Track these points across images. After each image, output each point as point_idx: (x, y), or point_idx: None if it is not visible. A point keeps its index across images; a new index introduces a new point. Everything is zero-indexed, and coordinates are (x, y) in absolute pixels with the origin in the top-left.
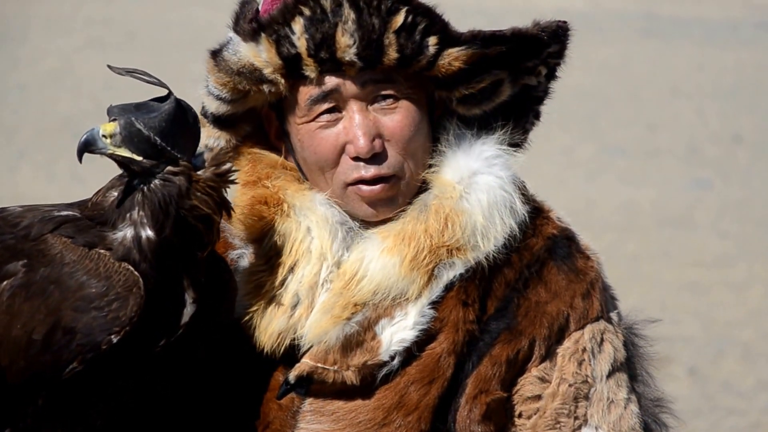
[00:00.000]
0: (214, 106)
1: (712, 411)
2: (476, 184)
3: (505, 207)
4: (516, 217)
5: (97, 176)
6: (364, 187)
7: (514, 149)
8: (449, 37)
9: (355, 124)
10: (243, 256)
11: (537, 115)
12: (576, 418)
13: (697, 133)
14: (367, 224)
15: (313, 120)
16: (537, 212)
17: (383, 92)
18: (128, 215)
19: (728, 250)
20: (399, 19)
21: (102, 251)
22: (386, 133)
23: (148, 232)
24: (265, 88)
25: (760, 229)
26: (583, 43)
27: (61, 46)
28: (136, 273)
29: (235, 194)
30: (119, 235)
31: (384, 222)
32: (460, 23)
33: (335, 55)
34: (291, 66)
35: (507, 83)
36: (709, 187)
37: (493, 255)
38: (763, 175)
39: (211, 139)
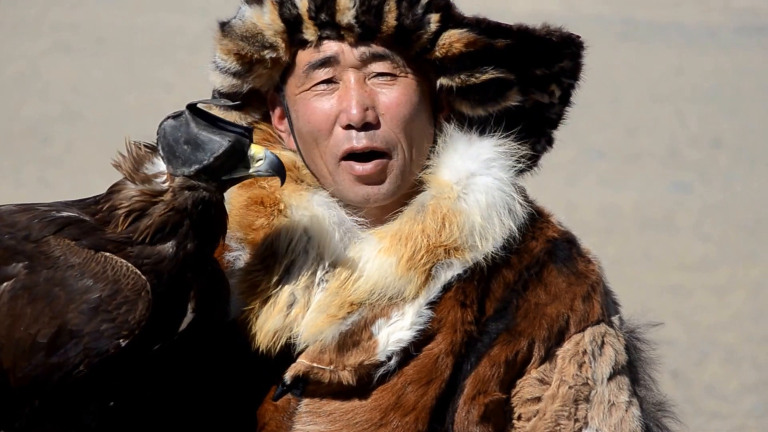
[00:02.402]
0: (219, 81)
1: (695, 415)
2: (474, 185)
3: (503, 208)
4: (515, 218)
5: (65, 182)
6: (357, 165)
7: (519, 167)
8: (452, 17)
9: (349, 94)
10: (239, 258)
11: (550, 141)
12: (576, 420)
13: (676, 136)
14: (365, 225)
15: (309, 89)
16: (537, 216)
17: (380, 69)
18: (178, 232)
19: (710, 253)
20: None
21: (107, 254)
22: (381, 107)
23: (191, 244)
24: (266, 53)
25: (742, 232)
26: None
27: (27, 51)
28: (143, 277)
29: (230, 195)
30: (156, 247)
31: (381, 223)
32: None
33: (334, 18)
34: (292, 29)
35: (515, 89)
36: (689, 191)
37: (491, 256)
38: (743, 178)
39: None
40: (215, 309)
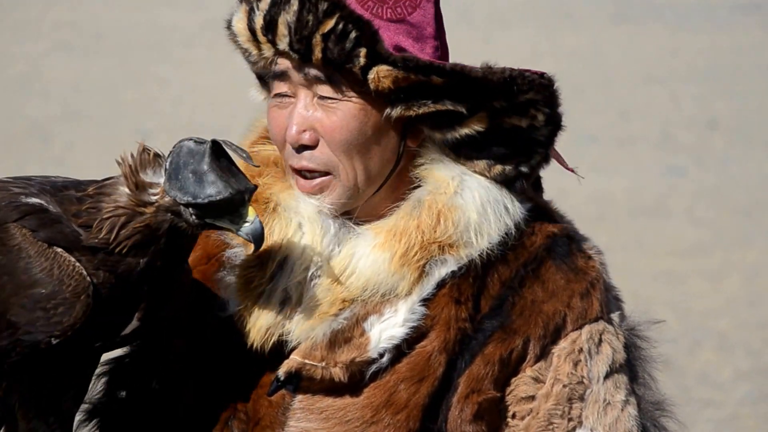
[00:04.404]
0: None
1: (687, 403)
2: (469, 181)
3: (499, 204)
4: (512, 214)
5: None
6: (301, 180)
7: (505, 183)
8: (378, 54)
9: (293, 113)
10: (239, 255)
11: (546, 159)
12: (570, 419)
13: (671, 119)
14: (360, 220)
15: (273, 97)
16: (538, 210)
17: (323, 92)
18: (148, 250)
19: (703, 238)
20: (330, 23)
21: (59, 250)
22: (320, 130)
23: (157, 263)
24: (245, 56)
25: (736, 216)
26: (552, 29)
27: (28, 51)
28: (87, 279)
29: None
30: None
31: (378, 218)
32: None
33: (275, 41)
34: (256, 40)
35: (477, 117)
36: (683, 175)
37: (487, 252)
38: (739, 160)
39: (255, 93)
40: (163, 318)
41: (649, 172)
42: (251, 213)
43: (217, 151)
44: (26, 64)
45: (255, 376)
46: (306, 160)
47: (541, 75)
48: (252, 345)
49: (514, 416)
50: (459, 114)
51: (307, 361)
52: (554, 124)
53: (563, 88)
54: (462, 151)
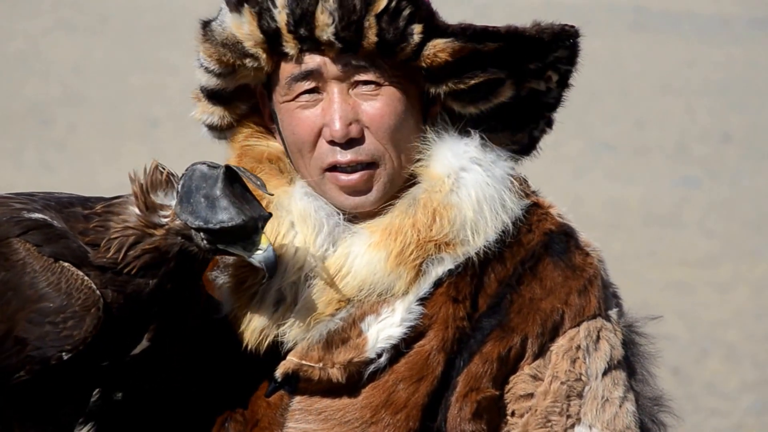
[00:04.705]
0: (205, 79)
1: (695, 412)
2: (465, 179)
3: (495, 202)
4: (508, 212)
5: (66, 165)
6: (342, 176)
7: (519, 155)
8: (435, 28)
9: (333, 108)
10: None
11: (549, 123)
12: (569, 416)
13: (686, 130)
14: (355, 218)
15: (293, 99)
16: (535, 208)
17: (365, 78)
18: (158, 271)
19: (714, 249)
20: (382, 2)
21: (66, 264)
22: (365, 120)
23: (167, 285)
24: (248, 62)
25: (747, 229)
26: None
27: (27, 28)
28: (97, 292)
29: None
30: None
31: (373, 216)
32: (445, 14)
33: (314, 33)
34: (272, 41)
35: (508, 84)
36: (697, 186)
37: (484, 250)
38: (751, 174)
39: (204, 114)
40: (172, 343)
41: (664, 182)
42: (264, 241)
43: (231, 176)
44: (25, 41)
45: (252, 378)
46: (353, 153)
47: (572, 26)
48: (246, 346)
49: (513, 414)
50: (496, 82)
51: (303, 362)
52: (564, 84)
53: (580, 95)
54: (490, 125)
